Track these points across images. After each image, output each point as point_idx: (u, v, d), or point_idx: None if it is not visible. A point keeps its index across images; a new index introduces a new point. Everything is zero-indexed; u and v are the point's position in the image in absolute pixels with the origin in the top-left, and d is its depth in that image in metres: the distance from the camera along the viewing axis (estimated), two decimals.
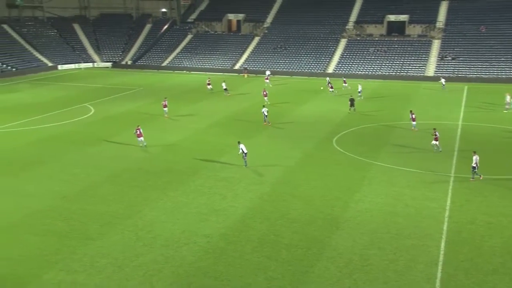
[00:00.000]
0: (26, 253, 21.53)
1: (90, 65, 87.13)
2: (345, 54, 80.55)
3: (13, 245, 22.32)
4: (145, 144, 37.58)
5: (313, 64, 79.49)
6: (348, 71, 76.64)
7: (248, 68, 78.69)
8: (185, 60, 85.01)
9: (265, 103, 51.51)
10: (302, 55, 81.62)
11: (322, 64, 79.19)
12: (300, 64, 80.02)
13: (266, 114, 44.35)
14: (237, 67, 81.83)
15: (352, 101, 49.28)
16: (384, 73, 74.59)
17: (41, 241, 22.64)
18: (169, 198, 27.75)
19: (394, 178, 30.86)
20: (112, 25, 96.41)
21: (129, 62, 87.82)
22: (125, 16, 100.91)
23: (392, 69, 75.29)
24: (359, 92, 55.71)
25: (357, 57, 79.34)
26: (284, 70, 78.71)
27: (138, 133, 37.35)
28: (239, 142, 33.44)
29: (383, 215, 25.51)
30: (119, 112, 49.67)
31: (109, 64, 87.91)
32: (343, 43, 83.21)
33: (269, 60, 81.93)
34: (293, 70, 78.79)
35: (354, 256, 21.48)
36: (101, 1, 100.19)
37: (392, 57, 77.64)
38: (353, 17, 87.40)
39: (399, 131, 42.47)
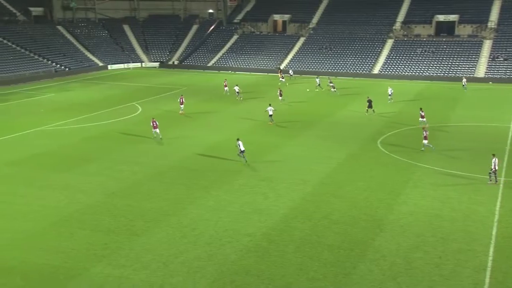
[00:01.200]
0: (76, 247, 22.22)
1: (138, 65, 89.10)
2: (392, 55, 79.22)
3: (65, 239, 23.08)
4: (160, 137, 39.02)
5: (358, 65, 78.56)
6: (394, 72, 75.40)
7: (281, 68, 78.76)
8: (231, 60, 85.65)
9: (280, 101, 52.54)
10: (348, 56, 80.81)
11: (368, 65, 78.16)
12: (345, 65, 79.25)
13: (271, 113, 44.29)
14: (282, 67, 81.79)
15: (370, 102, 48.07)
16: (431, 74, 72.92)
17: (90, 236, 23.33)
18: (213, 197, 28.05)
19: (439, 180, 30.14)
20: (160, 26, 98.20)
21: (176, 62, 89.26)
22: (173, 17, 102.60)
23: (440, 70, 73.49)
24: (390, 95, 53.74)
25: (404, 58, 77.88)
26: (329, 71, 78.13)
27: (154, 125, 38.88)
28: (237, 139, 33.67)
29: (428, 218, 24.94)
30: (164, 111, 50.55)
31: (156, 64, 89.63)
32: (389, 43, 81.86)
33: (313, 61, 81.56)
34: (338, 71, 78.08)
35: (398, 259, 21.10)
36: (150, 2, 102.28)
37: (440, 58, 75.80)
38: (401, 17, 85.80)
39: (445, 133, 41.44)
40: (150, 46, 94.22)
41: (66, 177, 31.29)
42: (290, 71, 74.82)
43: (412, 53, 78.20)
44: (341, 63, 79.67)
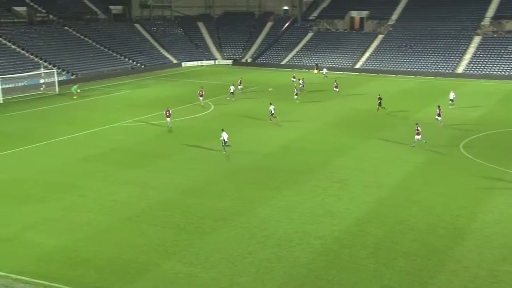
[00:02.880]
0: (147, 242, 22.98)
1: (211, 62, 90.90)
2: (479, 53, 75.79)
3: (137, 234, 23.94)
4: (170, 126, 42.59)
5: (440, 64, 75.82)
6: (481, 71, 72.09)
7: (319, 65, 79.16)
8: (305, 58, 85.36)
9: (296, 99, 53.61)
10: (429, 54, 78.20)
11: (451, 64, 75.23)
12: (427, 63, 76.74)
13: (273, 112, 44.58)
14: (358, 66, 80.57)
15: (380, 100, 48.05)
16: None
17: (161, 232, 24.05)
18: (284, 197, 28.06)
19: None
20: (235, 23, 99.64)
21: (249, 60, 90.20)
22: (247, 14, 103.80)
23: None
24: (451, 100, 50.19)
25: (492, 56, 74.28)
26: (408, 69, 76.00)
27: (167, 114, 42.42)
28: (222, 130, 35.71)
29: None
30: (237, 109, 51.20)
31: (229, 62, 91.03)
32: (476, 40, 78.32)
33: (392, 60, 79.68)
34: (418, 70, 75.79)
35: (482, 270, 20.12)
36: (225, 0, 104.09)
37: None
38: (490, 12, 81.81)
39: None
40: (224, 44, 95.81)
41: (139, 173, 32.45)
42: (324, 70, 73.37)
43: (502, 51, 74.39)
44: (422, 62, 77.19)
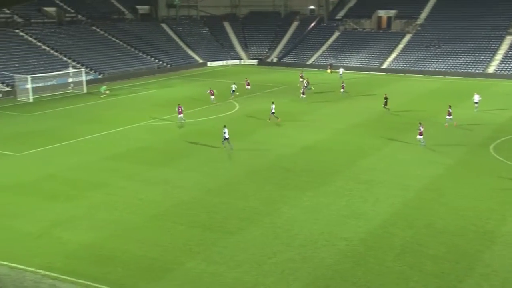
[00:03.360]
0: (172, 241, 23.19)
1: (237, 62, 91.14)
2: (511, 52, 74.27)
3: (162, 232, 24.18)
4: (183, 121, 44.29)
5: (470, 64, 74.62)
6: None
7: (333, 64, 79.75)
8: (331, 58, 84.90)
9: (301, 97, 53.51)
10: (459, 54, 77.03)
11: (482, 64, 74.00)
12: (456, 63, 75.60)
13: (273, 111, 44.92)
14: (385, 66, 79.83)
15: (386, 100, 47.99)
16: None
17: (186, 231, 24.24)
18: (308, 198, 27.99)
19: None
20: (260, 22, 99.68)
21: (275, 60, 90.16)
22: (273, 13, 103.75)
23: None
24: (476, 103, 48.74)
25: None
26: (437, 70, 75.00)
27: (179, 110, 44.10)
28: (224, 126, 36.84)
29: None
30: (261, 109, 51.21)
31: (255, 62, 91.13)
32: (508, 40, 76.86)
33: (420, 60, 78.71)
34: (447, 70, 74.70)
35: None
36: None
37: None
38: None
39: None
40: (249, 43, 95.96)
41: (164, 172, 32.76)
42: (341, 70, 72.60)
43: None
44: (451, 62, 76.08)
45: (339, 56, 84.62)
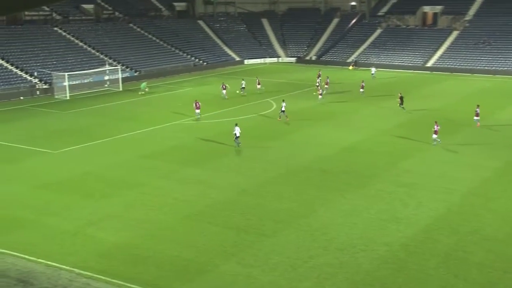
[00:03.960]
0: (207, 242, 23.36)
1: (275, 60, 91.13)
2: None
3: (196, 233, 24.39)
4: (199, 116, 46.13)
5: None
6: None
7: (356, 61, 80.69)
8: (372, 56, 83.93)
9: (319, 98, 53.44)
10: (510, 52, 74.89)
11: None
12: (507, 62, 73.60)
13: (283, 109, 45.16)
14: (429, 64, 78.39)
15: (401, 99, 48.17)
16: None
17: (220, 232, 24.37)
18: (347, 201, 27.73)
19: None
20: (299, 19, 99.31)
21: (314, 58, 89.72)
22: (312, 10, 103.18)
23: None
24: None
25: None
26: (486, 68, 73.18)
27: (197, 106, 46.11)
28: (236, 124, 37.26)
29: None
30: (299, 108, 51.06)
31: (293, 59, 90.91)
32: None
33: (468, 58, 77.01)
34: (497, 68, 72.81)
35: None
36: None
37: None
38: None
39: None
40: (288, 41, 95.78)
41: (199, 171, 33.04)
42: (373, 69, 71.29)
43: None
44: (501, 60, 74.13)
45: (381, 54, 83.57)
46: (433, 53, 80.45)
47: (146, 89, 60.71)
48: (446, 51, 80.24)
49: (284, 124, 44.80)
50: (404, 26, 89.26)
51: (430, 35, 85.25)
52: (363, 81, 58.59)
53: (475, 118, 42.05)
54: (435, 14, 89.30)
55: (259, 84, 60.74)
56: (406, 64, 79.46)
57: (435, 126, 37.10)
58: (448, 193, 28.47)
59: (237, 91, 57.79)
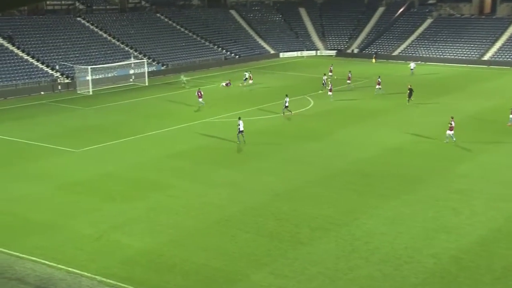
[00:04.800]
0: (237, 250, 23.44)
1: (312, 53, 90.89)
2: None
3: (226, 240, 24.49)
4: (203, 104, 50.29)
5: None
6: None
7: (377, 52, 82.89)
8: (421, 49, 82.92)
9: (329, 94, 53.65)
10: None
11: None
12: None
13: (287, 105, 46.67)
14: (486, 58, 76.94)
15: (410, 91, 50.27)
16: None
17: (252, 240, 24.41)
18: (391, 208, 27.44)
19: None
20: (340, 9, 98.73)
21: (356, 51, 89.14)
22: None
23: None
24: None
25: None
26: None
27: (199, 95, 50.41)
28: (239, 118, 38.72)
29: None
30: (339, 106, 50.78)
31: (333, 52, 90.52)
32: None
33: None
34: None
35: None
36: None
37: None
38: None
39: None
40: (327, 32, 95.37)
41: (230, 173, 33.19)
42: (412, 64, 70.20)
43: None
44: None
45: (431, 46, 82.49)
46: (490, 45, 78.90)
47: (184, 81, 62.09)
48: (506, 42, 78.58)
49: (322, 123, 44.61)
50: (458, 15, 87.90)
51: (488, 25, 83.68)
52: (379, 77, 57.59)
53: (511, 116, 41.60)
54: (493, 2, 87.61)
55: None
56: (459, 57, 78.28)
57: (451, 122, 37.24)
58: (508, 200, 27.89)
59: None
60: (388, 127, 43.41)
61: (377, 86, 55.75)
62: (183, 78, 63.22)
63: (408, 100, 49.94)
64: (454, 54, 79.53)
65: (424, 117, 46.22)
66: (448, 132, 37.31)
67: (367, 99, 53.58)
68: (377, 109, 49.21)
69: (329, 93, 53.71)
